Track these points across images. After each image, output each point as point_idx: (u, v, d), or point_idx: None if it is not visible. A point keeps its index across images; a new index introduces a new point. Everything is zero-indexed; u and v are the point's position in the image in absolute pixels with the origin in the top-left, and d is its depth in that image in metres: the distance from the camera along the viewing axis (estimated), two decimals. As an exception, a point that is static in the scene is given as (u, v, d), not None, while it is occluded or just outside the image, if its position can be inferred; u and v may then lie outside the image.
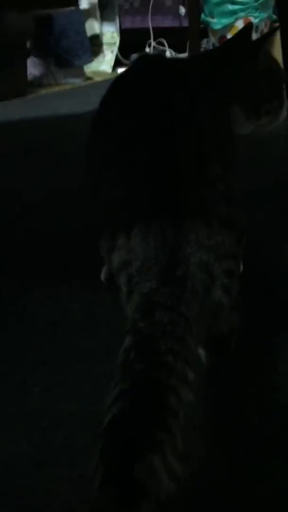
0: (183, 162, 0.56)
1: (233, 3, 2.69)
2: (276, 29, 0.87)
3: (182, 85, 0.67)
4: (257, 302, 0.72)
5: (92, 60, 3.01)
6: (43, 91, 2.73)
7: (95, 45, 3.30)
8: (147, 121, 0.61)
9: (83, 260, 0.85)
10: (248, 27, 0.83)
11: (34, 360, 0.66)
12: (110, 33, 3.27)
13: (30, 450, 0.53)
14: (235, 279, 0.56)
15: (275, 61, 0.89)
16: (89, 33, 3.17)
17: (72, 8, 2.64)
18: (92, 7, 3.05)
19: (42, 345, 0.69)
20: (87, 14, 3.10)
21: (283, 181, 1.24)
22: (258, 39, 0.81)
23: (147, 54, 0.80)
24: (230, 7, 2.69)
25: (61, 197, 1.23)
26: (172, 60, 0.79)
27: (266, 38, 0.80)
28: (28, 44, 2.77)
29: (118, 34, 3.23)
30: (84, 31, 2.83)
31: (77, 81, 2.91)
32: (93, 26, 3.18)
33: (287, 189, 1.19)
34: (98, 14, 3.17)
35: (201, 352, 0.60)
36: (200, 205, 0.54)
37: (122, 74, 0.77)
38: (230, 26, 2.76)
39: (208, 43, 3.05)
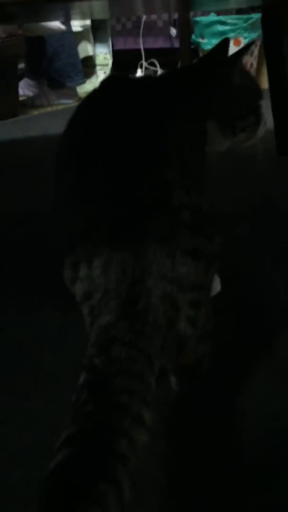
0: (145, 190, 0.54)
1: (223, 24, 2.72)
2: (251, 44, 0.86)
3: (149, 106, 0.65)
4: (238, 319, 0.70)
5: (84, 82, 3.04)
6: (35, 112, 2.75)
7: (88, 66, 3.34)
8: (109, 146, 0.59)
9: (55, 283, 0.83)
10: (225, 42, 0.82)
11: (-2, 388, 0.64)
12: (103, 54, 3.31)
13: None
14: (203, 309, 0.53)
15: (251, 77, 0.88)
16: (82, 55, 3.21)
17: (64, 29, 2.67)
18: (85, 29, 3.09)
19: (8, 372, 0.67)
20: (81, 36, 3.15)
21: (268, 199, 1.23)
22: (233, 55, 0.80)
23: (114, 75, 0.78)
24: (220, 28, 2.72)
25: (47, 218, 1.21)
26: (141, 78, 0.77)
27: (241, 53, 0.79)
28: (21, 66, 2.80)
29: (111, 55, 3.27)
30: (76, 53, 2.87)
31: (70, 102, 2.94)
32: (86, 48, 3.22)
33: (271, 207, 1.18)
34: (91, 36, 3.21)
35: (172, 379, 0.58)
36: (163, 236, 0.51)
37: (87, 96, 0.75)
38: (220, 47, 2.79)
39: (200, 63, 3.08)
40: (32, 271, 0.93)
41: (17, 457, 0.53)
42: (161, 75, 0.90)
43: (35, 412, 0.60)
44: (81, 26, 2.96)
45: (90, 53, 3.25)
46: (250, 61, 2.89)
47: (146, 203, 0.53)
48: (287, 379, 0.61)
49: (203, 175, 0.64)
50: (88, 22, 2.92)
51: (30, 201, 1.34)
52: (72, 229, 0.57)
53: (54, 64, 2.81)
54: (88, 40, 3.21)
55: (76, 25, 2.89)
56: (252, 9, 2.66)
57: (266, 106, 2.23)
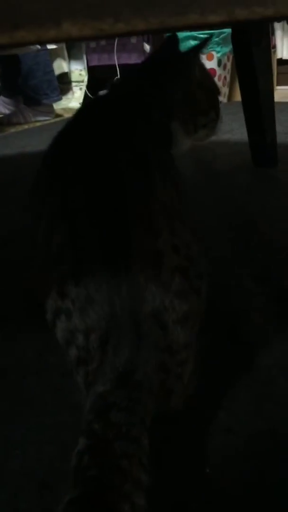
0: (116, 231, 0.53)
1: (195, 39, 2.77)
2: (209, 39, 0.84)
3: (118, 115, 0.65)
4: (218, 338, 0.70)
5: (61, 98, 3.05)
6: (11, 130, 2.74)
7: (64, 83, 3.36)
8: (82, 164, 0.58)
9: (37, 304, 0.83)
10: (173, 38, 0.82)
11: (-20, 415, 0.63)
12: (78, 71, 3.34)
13: None
14: (190, 365, 0.54)
15: (208, 72, 0.87)
16: (57, 71, 3.23)
17: (39, 48, 2.68)
18: (59, 47, 3.12)
19: (-10, 397, 0.66)
20: (55, 53, 3.17)
21: (248, 213, 1.25)
22: (190, 50, 0.79)
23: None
24: (193, 42, 2.77)
25: (24, 236, 1.21)
26: (107, 95, 0.75)
27: (199, 47, 0.78)
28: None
29: (86, 71, 3.30)
30: (51, 71, 2.88)
31: (47, 119, 2.94)
32: (61, 65, 3.25)
33: (251, 221, 1.19)
34: (65, 53, 3.24)
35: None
36: (156, 308, 0.51)
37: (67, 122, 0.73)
38: (194, 61, 2.84)
39: (174, 78, 3.12)
40: (16, 292, 0.93)
41: (1, 485, 0.53)
42: (122, 83, 0.86)
43: (17, 437, 0.59)
44: (55, 44, 2.99)
45: (65, 69, 3.28)
46: (223, 74, 2.95)
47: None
48: (268, 397, 0.62)
49: (183, 196, 0.62)
50: (62, 40, 2.94)
51: (6, 221, 1.34)
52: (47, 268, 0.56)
53: (30, 82, 2.82)
54: (63, 57, 3.24)
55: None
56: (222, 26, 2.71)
57: (242, 118, 2.27)
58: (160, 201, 0.55)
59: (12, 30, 0.28)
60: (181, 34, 2.80)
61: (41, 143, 2.27)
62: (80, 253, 0.52)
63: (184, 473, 0.51)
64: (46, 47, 2.82)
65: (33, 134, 2.56)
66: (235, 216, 1.23)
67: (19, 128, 2.79)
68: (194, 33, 2.78)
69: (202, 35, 2.75)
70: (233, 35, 1.51)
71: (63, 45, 3.15)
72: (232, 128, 2.25)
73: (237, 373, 0.65)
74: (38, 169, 0.65)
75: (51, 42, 0.40)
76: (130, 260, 0.50)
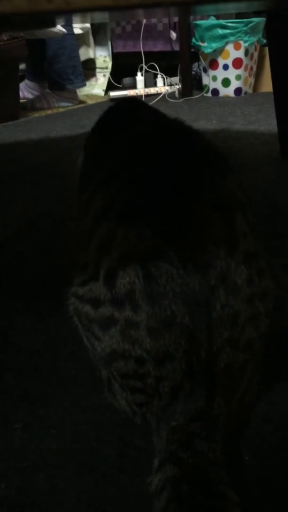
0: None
1: (223, 27, 2.73)
2: None
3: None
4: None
5: (85, 85, 3.03)
6: (35, 115, 2.74)
7: (88, 69, 3.34)
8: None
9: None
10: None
11: (15, 393, 0.63)
12: (102, 57, 3.31)
13: (8, 493, 0.50)
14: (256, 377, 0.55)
15: None
16: (83, 57, 3.21)
17: (65, 32, 2.67)
18: (85, 32, 3.09)
19: (24, 376, 0.66)
20: (81, 39, 3.15)
21: (276, 203, 1.23)
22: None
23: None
24: (220, 31, 2.73)
25: (52, 220, 1.22)
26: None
27: None
28: (21, 67, 2.80)
29: (110, 58, 3.28)
30: (77, 56, 2.86)
31: (70, 105, 2.93)
32: (87, 51, 3.23)
33: (280, 212, 1.18)
34: (91, 39, 3.21)
35: None
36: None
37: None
38: (220, 50, 2.80)
39: (199, 67, 3.09)
40: (50, 274, 0.93)
41: (39, 464, 0.53)
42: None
43: (53, 418, 0.59)
44: (81, 29, 2.96)
45: (91, 55, 3.26)
46: (250, 64, 2.91)
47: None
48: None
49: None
50: (87, 24, 2.92)
51: (33, 205, 1.34)
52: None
53: (54, 67, 2.80)
54: (89, 42, 3.22)
55: (76, 27, 2.89)
56: (254, 13, 2.67)
57: (269, 109, 2.23)
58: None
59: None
60: (208, 22, 2.77)
61: (64, 129, 2.27)
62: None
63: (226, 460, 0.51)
64: (73, 31, 2.80)
65: (57, 119, 2.56)
66: (263, 206, 1.21)
67: (42, 113, 2.78)
68: (222, 22, 2.74)
69: (230, 24, 2.71)
70: (268, 22, 1.48)
71: (89, 31, 3.12)
72: (259, 119, 2.22)
73: (275, 364, 0.64)
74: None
75: None
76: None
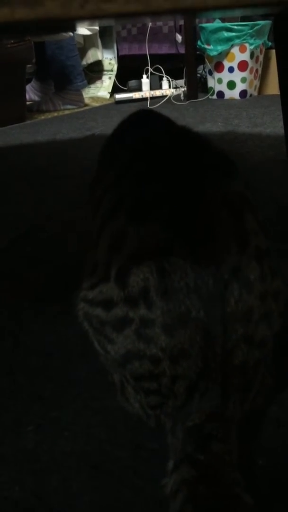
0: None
1: (229, 30, 2.73)
2: None
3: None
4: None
5: (86, 84, 3.04)
6: (41, 117, 2.75)
7: (96, 72, 3.35)
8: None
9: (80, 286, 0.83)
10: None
11: (27, 395, 0.63)
12: (108, 60, 3.32)
13: (22, 495, 0.50)
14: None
15: None
16: (91, 59, 3.22)
17: (72, 35, 2.68)
18: (93, 34, 3.09)
19: (36, 378, 0.66)
20: (90, 41, 3.15)
21: (282, 206, 1.23)
22: None
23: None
24: (226, 34, 2.74)
25: (59, 222, 1.22)
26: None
27: None
28: (29, 70, 2.80)
29: (116, 60, 3.28)
30: (75, 56, 2.85)
31: (76, 107, 2.94)
32: (95, 53, 3.23)
33: (285, 213, 1.18)
34: (99, 41, 3.22)
35: None
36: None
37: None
38: (225, 53, 2.81)
39: (205, 69, 3.09)
40: (60, 276, 0.93)
41: (53, 467, 0.53)
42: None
43: (66, 420, 0.59)
44: (90, 30, 2.96)
45: (99, 57, 3.26)
46: (255, 67, 2.91)
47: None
48: None
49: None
50: (96, 26, 2.92)
51: (40, 207, 1.34)
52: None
53: (53, 67, 2.81)
54: (97, 44, 3.22)
55: (84, 28, 2.90)
56: (261, 16, 2.67)
57: (274, 112, 2.23)
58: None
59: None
60: (213, 25, 2.77)
61: (71, 131, 2.28)
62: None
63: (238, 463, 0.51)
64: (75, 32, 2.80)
65: (63, 121, 2.56)
66: (270, 209, 1.21)
67: (49, 115, 2.79)
68: (228, 24, 2.75)
69: (236, 27, 2.72)
70: (275, 24, 1.48)
71: (97, 33, 3.12)
72: (264, 122, 2.22)
73: (285, 366, 0.64)
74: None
75: None
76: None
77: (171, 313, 0.48)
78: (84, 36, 3.01)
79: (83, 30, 2.88)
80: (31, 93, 3.03)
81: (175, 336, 0.48)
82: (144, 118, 0.72)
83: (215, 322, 0.48)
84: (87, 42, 3.11)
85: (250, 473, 0.51)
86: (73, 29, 1.95)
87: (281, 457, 0.53)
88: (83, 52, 3.14)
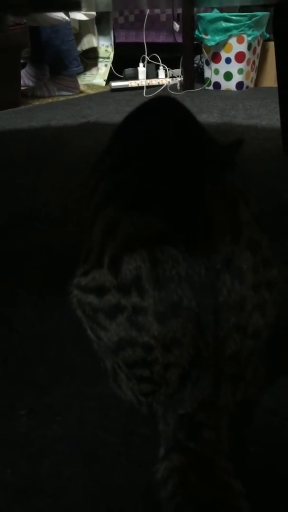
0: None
1: (227, 20, 2.71)
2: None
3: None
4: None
5: (81, 69, 3.01)
6: (36, 102, 2.72)
7: (91, 58, 3.31)
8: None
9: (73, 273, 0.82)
10: None
11: (21, 380, 0.63)
12: (104, 47, 3.29)
13: (14, 479, 0.50)
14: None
15: None
16: (87, 46, 3.18)
17: (68, 20, 2.64)
18: (90, 20, 3.06)
19: (30, 364, 0.66)
20: (86, 26, 3.12)
21: (279, 199, 1.23)
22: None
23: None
24: (224, 24, 2.72)
25: (54, 209, 1.21)
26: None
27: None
28: (24, 54, 2.77)
29: (112, 48, 3.25)
30: (70, 40, 2.82)
31: (71, 94, 2.91)
32: (91, 39, 3.20)
33: (284, 208, 1.18)
34: (95, 27, 3.18)
35: None
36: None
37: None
38: (223, 43, 2.79)
39: (202, 59, 3.08)
40: (55, 261, 0.93)
41: (45, 451, 0.53)
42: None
43: (59, 406, 0.59)
44: (86, 15, 2.93)
45: (95, 44, 3.23)
46: (253, 59, 2.90)
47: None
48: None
49: None
50: (93, 12, 2.89)
51: (33, 194, 1.33)
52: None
53: (49, 51, 2.78)
54: (93, 31, 3.19)
55: (78, 14, 2.86)
56: (261, 7, 2.66)
57: (270, 104, 2.23)
58: None
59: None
60: (211, 15, 2.75)
61: (65, 117, 2.26)
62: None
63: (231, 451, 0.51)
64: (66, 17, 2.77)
65: (58, 108, 2.54)
66: (266, 202, 1.21)
67: (43, 101, 2.76)
68: (226, 15, 2.73)
69: (234, 17, 2.70)
70: (274, 16, 1.47)
71: (94, 19, 3.09)
72: (260, 114, 2.21)
73: (279, 357, 0.65)
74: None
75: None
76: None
77: (163, 301, 0.48)
78: (80, 22, 2.97)
79: (79, 15, 2.84)
80: (26, 78, 2.99)
81: (167, 325, 0.48)
82: (160, 106, 0.72)
83: (207, 311, 0.48)
84: (83, 28, 3.08)
85: (242, 461, 0.51)
86: (79, 8, 1.92)
87: (273, 446, 0.53)
88: (78, 38, 3.10)
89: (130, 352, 0.50)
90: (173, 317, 0.48)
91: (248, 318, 0.50)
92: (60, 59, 2.80)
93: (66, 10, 1.94)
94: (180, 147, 0.59)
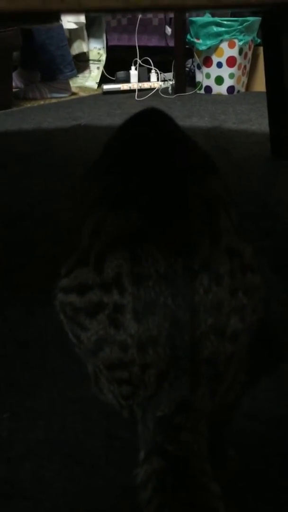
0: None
1: (218, 25, 2.73)
2: None
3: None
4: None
5: (75, 74, 3.01)
6: (28, 104, 2.72)
7: (81, 61, 3.32)
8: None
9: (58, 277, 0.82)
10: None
11: (2, 384, 0.63)
12: (96, 50, 3.29)
13: (-6, 482, 0.50)
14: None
15: None
16: (76, 51, 3.19)
17: (61, 23, 2.64)
18: (79, 27, 3.07)
19: (12, 367, 0.66)
20: (76, 33, 3.13)
21: (266, 203, 1.24)
22: None
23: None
24: (215, 29, 2.73)
25: (42, 211, 1.21)
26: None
27: None
28: (15, 57, 2.77)
29: (105, 51, 3.26)
30: (64, 45, 2.83)
31: (63, 96, 2.91)
32: (80, 45, 3.21)
33: (271, 211, 1.19)
34: (85, 33, 3.19)
35: None
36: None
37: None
38: (214, 48, 2.81)
39: (193, 63, 3.09)
40: (40, 264, 0.93)
41: (26, 455, 0.53)
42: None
43: (41, 409, 0.59)
44: (76, 23, 2.94)
45: (84, 49, 3.24)
46: (244, 63, 2.92)
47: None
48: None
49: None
50: (82, 19, 2.90)
51: (24, 195, 1.33)
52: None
53: (43, 56, 2.78)
54: (83, 37, 3.20)
55: (70, 20, 2.87)
56: (251, 12, 2.67)
57: (261, 109, 2.24)
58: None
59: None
60: (203, 19, 2.77)
61: (57, 120, 2.26)
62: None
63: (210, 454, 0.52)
64: (61, 23, 2.78)
65: (49, 110, 2.54)
66: (253, 205, 1.22)
67: (35, 103, 2.76)
68: (218, 19, 2.75)
69: (226, 22, 2.72)
70: (264, 22, 1.49)
71: (83, 26, 3.10)
72: (250, 118, 2.23)
73: (259, 361, 0.65)
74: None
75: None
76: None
77: (140, 299, 0.49)
78: (71, 30, 2.99)
79: (69, 24, 2.86)
80: (17, 80, 2.99)
81: (143, 323, 0.49)
82: (149, 116, 0.74)
83: (183, 310, 0.49)
84: (73, 34, 3.09)
85: (221, 464, 0.52)
86: (58, 20, 1.93)
87: (252, 448, 0.54)
88: (68, 44, 3.11)
89: (108, 351, 0.51)
90: (149, 314, 0.49)
91: (225, 320, 0.51)
92: (55, 64, 2.81)
93: (45, 23, 1.95)
94: (165, 156, 0.61)
